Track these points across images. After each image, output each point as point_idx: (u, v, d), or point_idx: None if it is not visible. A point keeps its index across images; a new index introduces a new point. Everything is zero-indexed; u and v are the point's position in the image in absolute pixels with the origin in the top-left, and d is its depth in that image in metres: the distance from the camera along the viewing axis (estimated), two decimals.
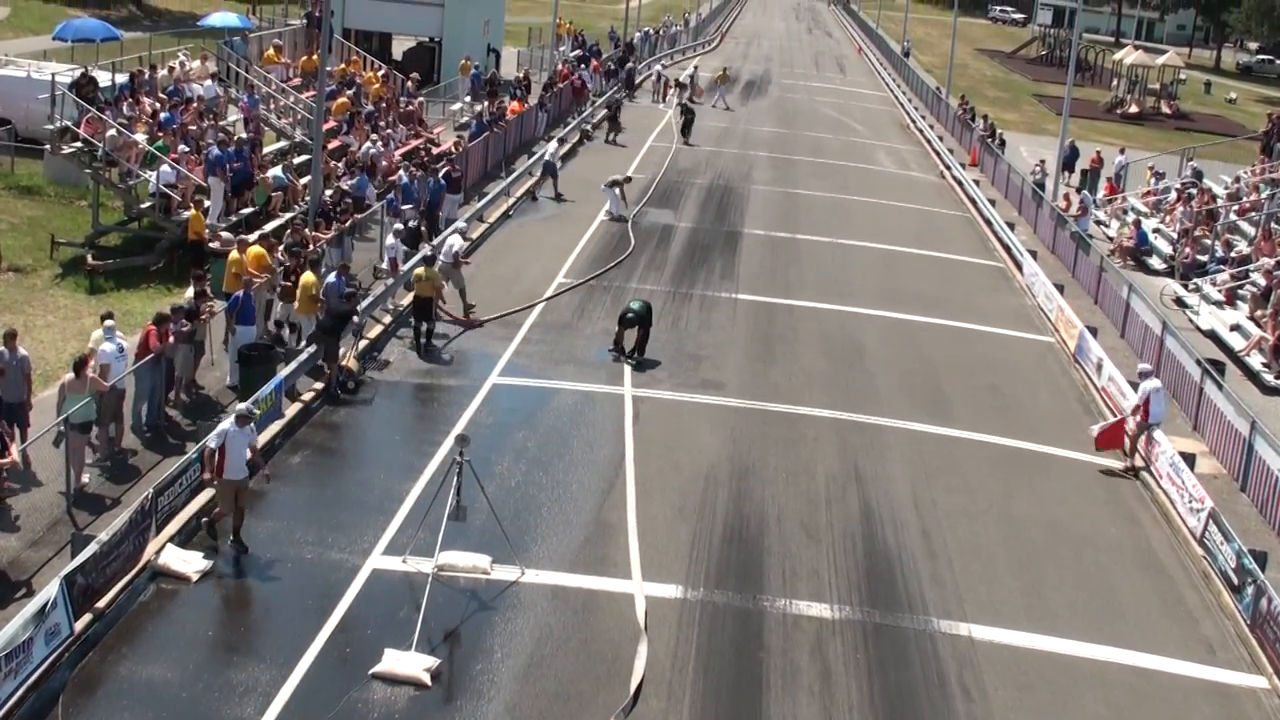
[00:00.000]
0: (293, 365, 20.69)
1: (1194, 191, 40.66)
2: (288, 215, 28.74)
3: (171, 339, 19.40)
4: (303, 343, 22.26)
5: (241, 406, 16.77)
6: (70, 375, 17.57)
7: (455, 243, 27.13)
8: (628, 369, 23.53)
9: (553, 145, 38.71)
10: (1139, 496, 20.88)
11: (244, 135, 31.58)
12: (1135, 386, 22.57)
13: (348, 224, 27.47)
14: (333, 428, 20.37)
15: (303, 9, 59.64)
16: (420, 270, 24.37)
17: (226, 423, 16.22)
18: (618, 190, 35.37)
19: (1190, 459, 20.59)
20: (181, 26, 64.30)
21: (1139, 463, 21.70)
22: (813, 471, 20.22)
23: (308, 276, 22.62)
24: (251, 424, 16.37)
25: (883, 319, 28.64)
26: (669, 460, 20.06)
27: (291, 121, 36.95)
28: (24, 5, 65.42)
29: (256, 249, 23.14)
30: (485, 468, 18.08)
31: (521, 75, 53.90)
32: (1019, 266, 34.21)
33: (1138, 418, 21.90)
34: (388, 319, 25.10)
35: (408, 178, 31.15)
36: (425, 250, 25.99)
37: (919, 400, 23.76)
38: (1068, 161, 46.21)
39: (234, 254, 22.91)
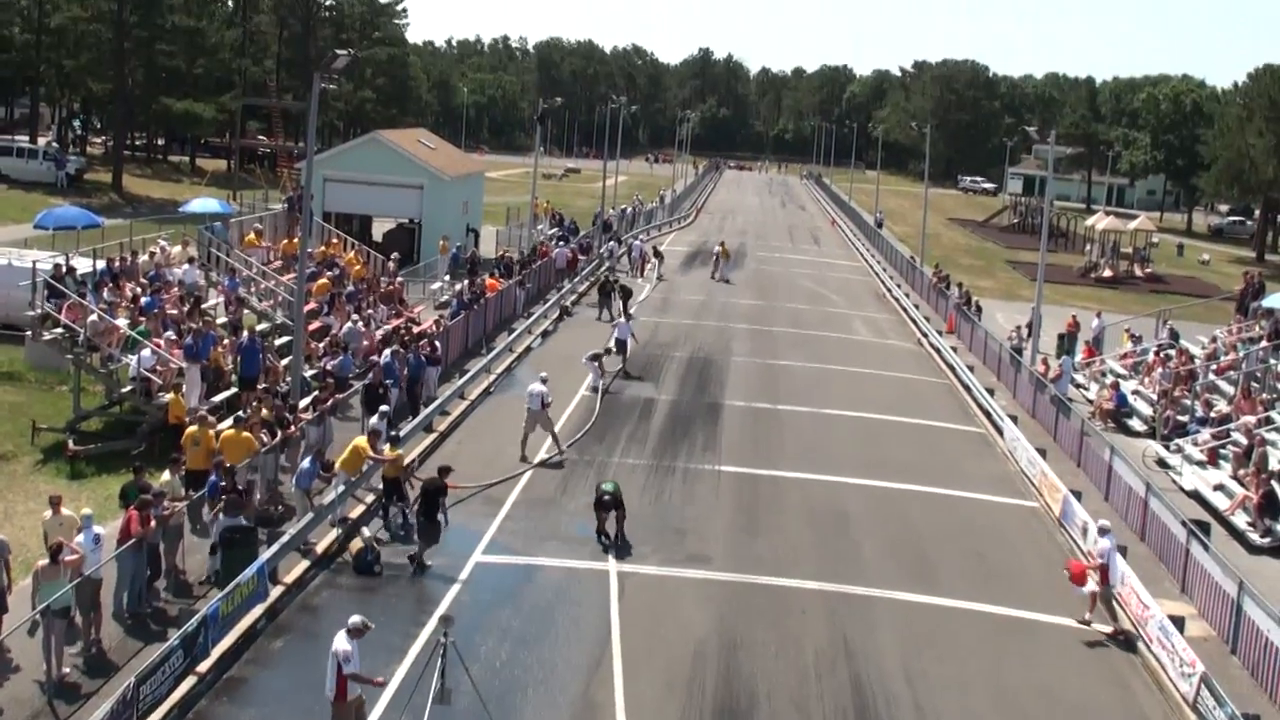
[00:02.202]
0: (275, 547, 20.71)
1: (1171, 352, 41.35)
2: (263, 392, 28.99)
3: (153, 524, 19.46)
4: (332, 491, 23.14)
5: (355, 620, 15.97)
6: (44, 562, 17.56)
7: (537, 389, 28.67)
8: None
9: (623, 322, 39.86)
10: (1129, 662, 20.85)
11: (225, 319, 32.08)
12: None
13: (329, 403, 27.74)
14: (315, 610, 20.31)
15: (283, 194, 61.05)
16: (389, 450, 24.66)
17: (344, 642, 15.56)
18: (598, 364, 35.85)
19: (1179, 622, 20.61)
20: (162, 213, 65.60)
21: (1128, 626, 21.74)
22: (802, 645, 20.18)
23: (360, 440, 24.14)
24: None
25: (866, 488, 28.80)
26: (656, 636, 20.02)
27: (273, 304, 37.55)
28: (4, 195, 66.71)
29: (232, 433, 23.40)
30: (470, 649, 18.04)
31: (500, 254, 54.86)
32: (1000, 432, 34.53)
33: (1096, 579, 22.02)
34: (370, 499, 25.18)
35: (390, 356, 31.54)
36: (410, 424, 26.33)
37: (905, 569, 23.82)
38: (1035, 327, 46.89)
39: (193, 429, 23.41)
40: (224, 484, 21.08)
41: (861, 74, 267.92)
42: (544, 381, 29.59)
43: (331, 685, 15.60)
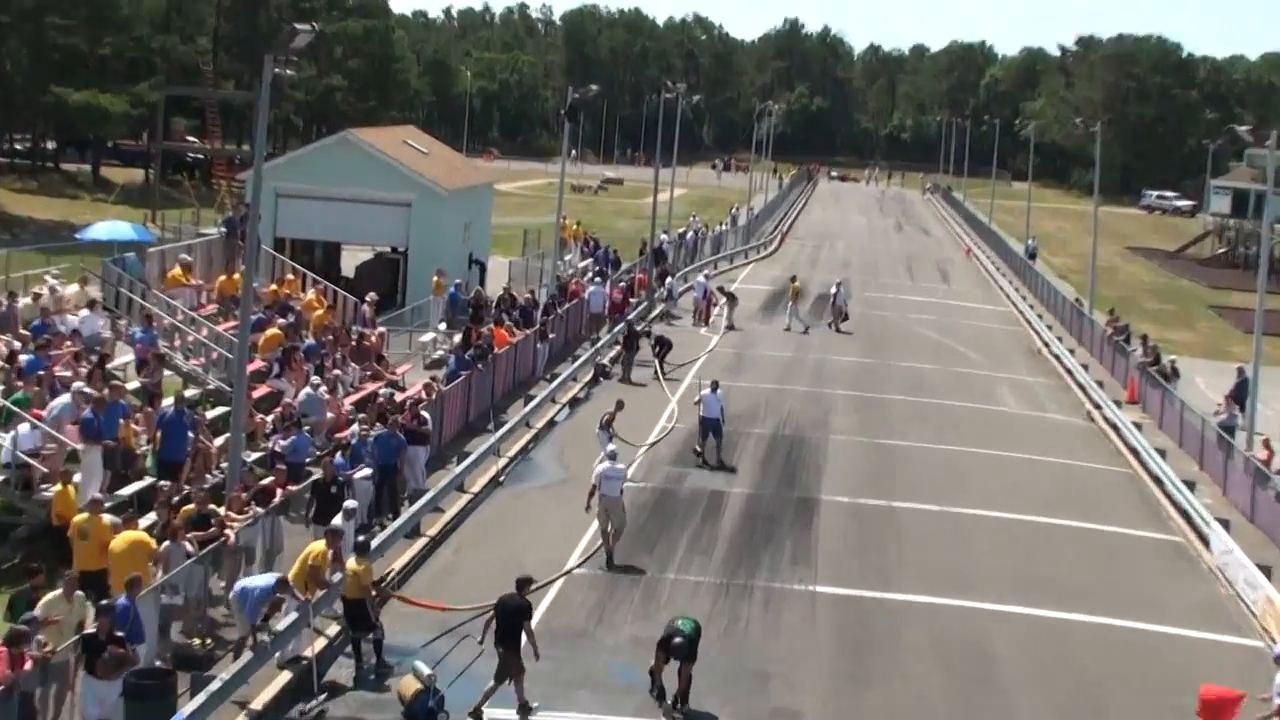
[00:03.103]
0: (200, 698, 20.43)
1: None
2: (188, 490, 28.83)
3: (29, 665, 19.22)
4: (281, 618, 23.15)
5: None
6: None
7: (614, 468, 29.77)
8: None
9: (710, 394, 38.82)
10: None
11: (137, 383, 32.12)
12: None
13: (277, 501, 27.47)
14: None
15: (220, 214, 61.48)
16: (351, 563, 24.30)
17: None
18: (610, 430, 35.86)
19: None
20: (52, 240, 66.12)
21: None
22: None
23: (315, 546, 24.03)
24: None
25: (1019, 617, 28.43)
26: None
27: (203, 362, 37.57)
28: None
29: (137, 537, 23.30)
30: None
31: (503, 292, 54.53)
32: (1205, 541, 34.03)
33: (1273, 708, 22.02)
34: (333, 629, 24.91)
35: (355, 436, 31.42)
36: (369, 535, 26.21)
37: None
38: (1236, 394, 46.33)
39: (81, 517, 23.67)
40: (97, 631, 20.01)
41: (1006, 53, 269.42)
42: (614, 457, 30.62)
43: None
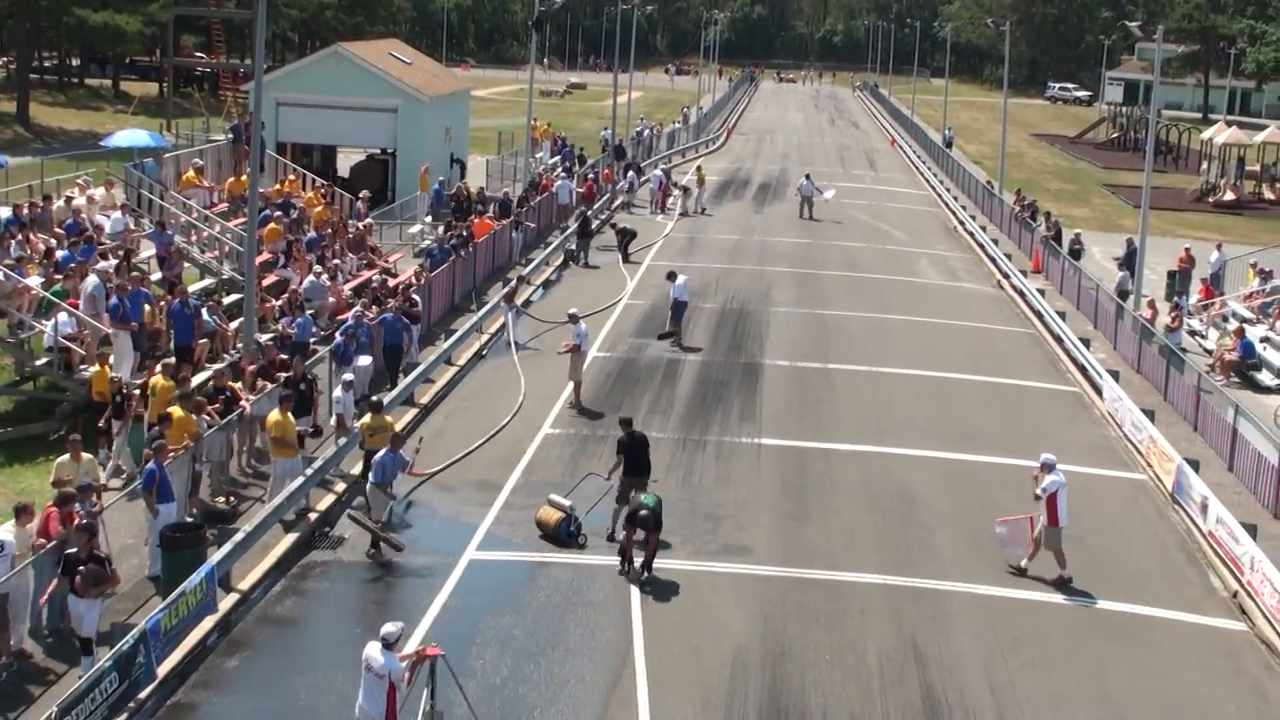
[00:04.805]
0: (227, 547, 20.75)
1: None
2: (216, 366, 29.00)
3: (76, 523, 19.48)
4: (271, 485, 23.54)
5: (390, 629, 16.21)
6: None
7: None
8: None
9: (680, 283, 37.77)
10: (1264, 664, 20.77)
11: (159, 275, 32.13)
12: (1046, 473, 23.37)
13: (290, 376, 27.63)
14: (277, 622, 20.38)
15: (227, 121, 61.00)
16: (367, 419, 24.69)
17: (382, 655, 15.98)
18: (513, 303, 36.60)
19: None
20: (80, 148, 65.69)
21: (1066, 573, 22.74)
22: (862, 651, 20.18)
23: (272, 416, 23.90)
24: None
25: (938, 461, 28.79)
26: (687, 645, 20.03)
27: (218, 255, 37.58)
28: None
29: (180, 413, 23.40)
30: (464, 663, 18.07)
31: (475, 192, 53.73)
32: (1098, 391, 34.44)
33: (1043, 519, 22.96)
34: (340, 486, 25.23)
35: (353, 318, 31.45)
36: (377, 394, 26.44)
37: (987, 558, 23.76)
38: (1125, 262, 46.69)
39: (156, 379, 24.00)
40: (78, 550, 18.53)
41: None
42: (575, 319, 31.49)
43: (380, 710, 15.86)
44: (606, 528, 23.58)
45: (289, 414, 24.13)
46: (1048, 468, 23.35)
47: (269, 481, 24.46)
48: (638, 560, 22.23)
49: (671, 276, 37.87)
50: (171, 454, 22.16)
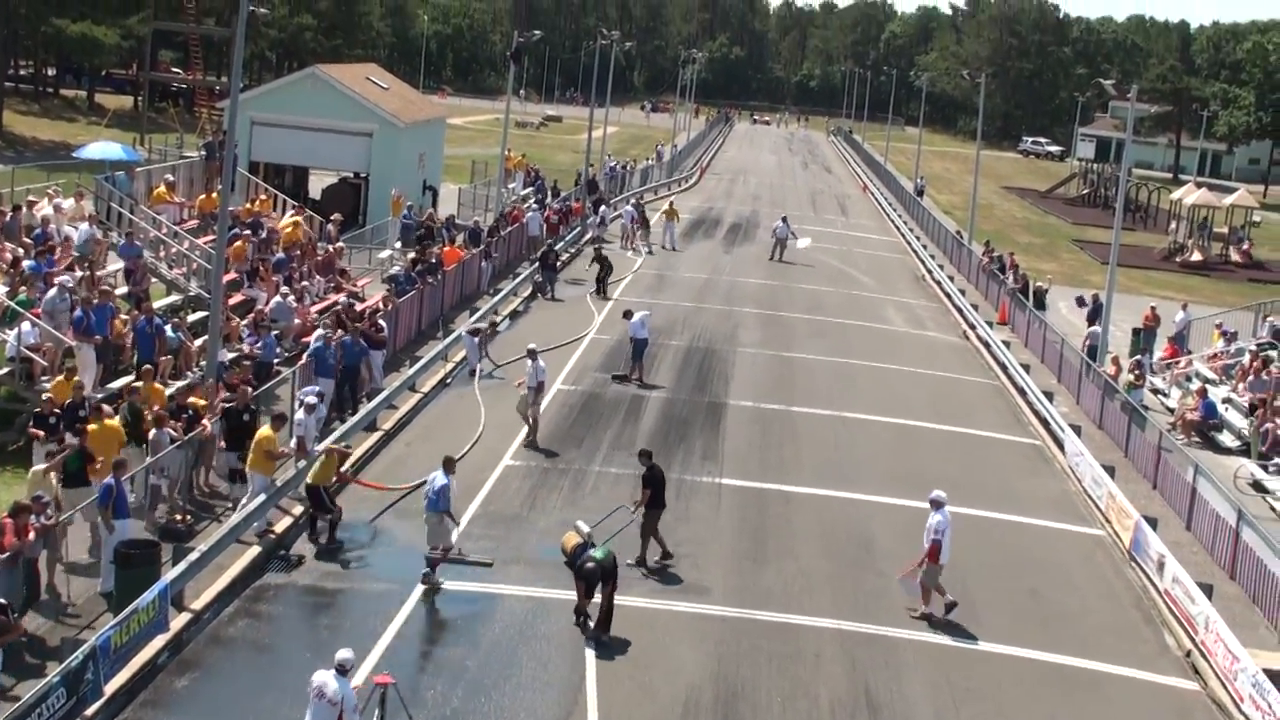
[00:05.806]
0: (182, 565, 20.63)
1: (1273, 355, 41.31)
2: (179, 384, 28.85)
3: (32, 535, 19.36)
4: (248, 500, 23.42)
5: (344, 656, 16.44)
6: None
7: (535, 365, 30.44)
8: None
9: (640, 318, 37.33)
10: None
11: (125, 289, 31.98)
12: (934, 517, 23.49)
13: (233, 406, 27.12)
14: (228, 644, 20.25)
15: (200, 139, 60.92)
16: (316, 450, 24.92)
17: (335, 681, 16.14)
18: (478, 339, 36.23)
19: (1276, 677, 20.62)
20: (51, 158, 65.41)
21: (929, 609, 23.09)
22: (815, 695, 20.16)
23: (264, 431, 23.95)
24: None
25: (896, 508, 28.73)
26: (639, 683, 19.99)
27: (185, 271, 37.44)
28: None
29: (96, 426, 23.29)
30: (415, 693, 17.98)
31: (442, 220, 53.40)
32: (1060, 445, 34.57)
33: (925, 560, 23.29)
34: (298, 509, 25.13)
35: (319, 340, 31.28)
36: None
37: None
38: (1090, 317, 47.00)
39: (92, 425, 23.34)
40: None
41: (903, 10, 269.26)
42: (534, 355, 31.05)
43: None
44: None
45: (276, 432, 24.31)
46: (936, 505, 23.54)
47: (235, 499, 24.39)
48: (592, 618, 21.46)
49: (628, 315, 37.57)
50: (99, 465, 22.04)
